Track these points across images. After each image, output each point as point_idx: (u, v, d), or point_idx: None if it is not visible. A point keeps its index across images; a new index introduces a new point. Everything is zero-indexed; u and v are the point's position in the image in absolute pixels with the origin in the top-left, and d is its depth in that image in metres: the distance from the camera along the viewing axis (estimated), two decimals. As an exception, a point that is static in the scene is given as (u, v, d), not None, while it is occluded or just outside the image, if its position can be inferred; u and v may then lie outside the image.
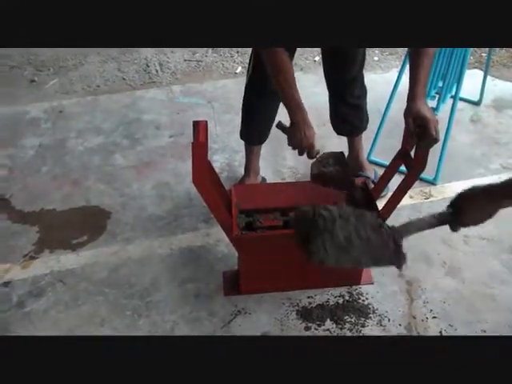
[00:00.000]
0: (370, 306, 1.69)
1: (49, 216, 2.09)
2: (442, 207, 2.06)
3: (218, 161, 2.38)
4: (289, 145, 1.60)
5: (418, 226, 1.32)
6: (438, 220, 1.29)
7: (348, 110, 2.09)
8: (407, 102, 1.45)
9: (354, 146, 2.22)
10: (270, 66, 1.55)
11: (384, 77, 3.06)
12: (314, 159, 1.61)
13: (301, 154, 1.60)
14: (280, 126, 1.64)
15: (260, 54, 1.60)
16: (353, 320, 1.64)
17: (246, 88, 1.98)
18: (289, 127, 1.58)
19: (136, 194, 2.21)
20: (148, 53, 3.42)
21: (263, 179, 2.22)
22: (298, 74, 3.01)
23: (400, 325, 1.63)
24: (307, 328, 1.62)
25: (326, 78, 2.06)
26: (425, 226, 1.31)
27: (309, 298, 1.72)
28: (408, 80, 1.48)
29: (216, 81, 3.11)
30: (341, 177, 1.63)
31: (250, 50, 1.98)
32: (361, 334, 1.59)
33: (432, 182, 2.22)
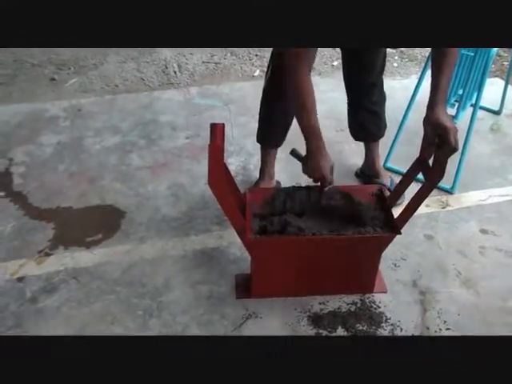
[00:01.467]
0: (383, 315, 1.67)
1: (65, 213, 2.11)
2: (458, 217, 2.06)
3: (233, 164, 2.38)
4: (303, 172, 1.58)
5: None
6: None
7: (366, 116, 2.08)
8: (427, 109, 1.43)
9: (370, 152, 2.20)
10: (291, 88, 1.53)
11: (403, 83, 3.04)
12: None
13: (315, 181, 1.58)
14: (294, 153, 1.62)
15: (281, 71, 1.56)
16: (364, 328, 1.62)
17: (264, 91, 1.98)
18: (304, 155, 1.56)
19: (151, 194, 2.22)
20: (167, 54, 3.45)
21: (278, 183, 2.21)
22: (316, 79, 3.05)
23: (412, 335, 1.61)
24: (318, 334, 1.61)
25: (345, 84, 2.05)
26: None
27: (321, 304, 1.71)
28: (428, 87, 1.47)
29: (233, 83, 3.11)
30: (347, 212, 1.63)
31: (268, 53, 1.98)
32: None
33: (449, 191, 2.19)
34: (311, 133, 1.51)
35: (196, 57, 3.42)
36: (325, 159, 1.53)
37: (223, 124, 1.44)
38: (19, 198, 2.19)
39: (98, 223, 2.06)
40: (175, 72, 3.26)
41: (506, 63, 3.22)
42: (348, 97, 2.09)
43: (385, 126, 2.15)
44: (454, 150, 1.41)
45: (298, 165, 2.27)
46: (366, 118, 2.09)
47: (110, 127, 2.68)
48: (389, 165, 2.34)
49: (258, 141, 2.15)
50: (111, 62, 3.37)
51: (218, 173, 1.43)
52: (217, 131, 1.40)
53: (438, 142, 1.42)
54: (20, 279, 1.81)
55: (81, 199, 2.19)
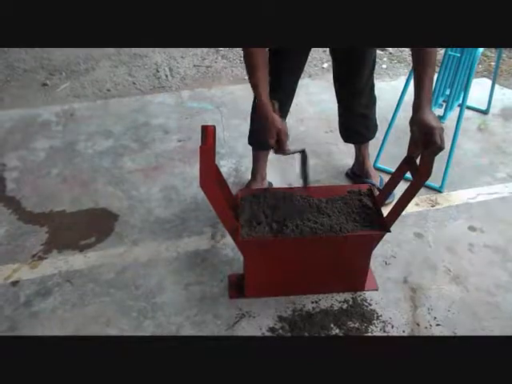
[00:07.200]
0: (374, 313, 1.69)
1: (58, 217, 2.12)
2: (447, 215, 2.09)
3: (225, 166, 2.40)
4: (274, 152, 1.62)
5: None
6: None
7: (356, 119, 2.10)
8: (412, 110, 1.46)
9: (360, 153, 2.23)
10: (246, 65, 1.58)
11: (392, 85, 3.08)
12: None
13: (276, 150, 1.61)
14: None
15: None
16: (356, 326, 1.64)
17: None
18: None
19: (143, 197, 2.23)
20: (158, 58, 3.47)
21: (270, 184, 2.23)
22: (306, 81, 3.09)
23: (403, 331, 1.63)
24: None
25: (335, 87, 2.07)
26: None
27: (313, 302, 1.73)
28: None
29: (225, 86, 3.14)
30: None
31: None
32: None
33: (438, 190, 2.22)
34: (256, 94, 1.55)
35: (187, 60, 3.44)
36: (275, 120, 1.55)
37: (214, 126, 1.46)
38: (12, 203, 2.20)
39: (91, 226, 2.07)
40: (166, 76, 3.28)
41: (493, 63, 3.27)
42: (338, 100, 2.11)
43: (375, 128, 2.18)
44: (440, 148, 1.43)
45: (290, 166, 2.30)
46: (357, 121, 2.11)
47: (103, 131, 2.70)
48: (379, 165, 2.37)
49: (249, 143, 2.17)
50: (103, 66, 3.38)
51: (210, 174, 1.45)
52: (208, 133, 1.42)
53: (425, 142, 1.45)
54: (14, 283, 1.81)
55: (74, 203, 2.20)
